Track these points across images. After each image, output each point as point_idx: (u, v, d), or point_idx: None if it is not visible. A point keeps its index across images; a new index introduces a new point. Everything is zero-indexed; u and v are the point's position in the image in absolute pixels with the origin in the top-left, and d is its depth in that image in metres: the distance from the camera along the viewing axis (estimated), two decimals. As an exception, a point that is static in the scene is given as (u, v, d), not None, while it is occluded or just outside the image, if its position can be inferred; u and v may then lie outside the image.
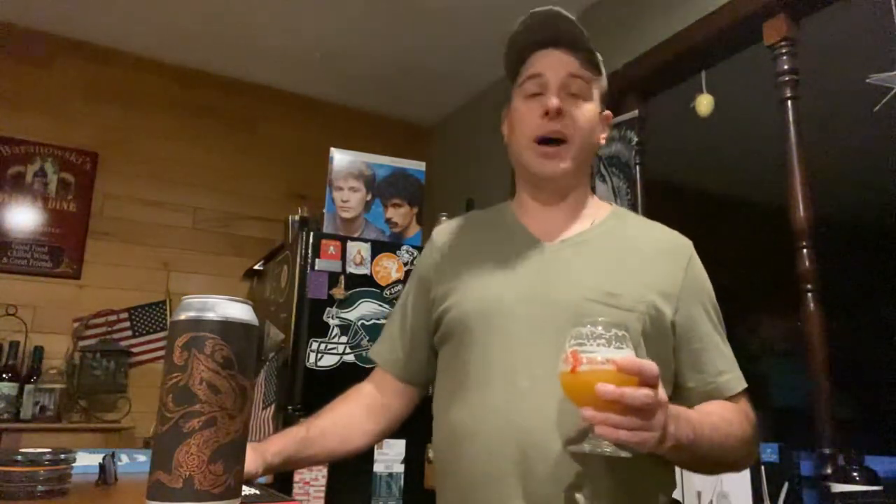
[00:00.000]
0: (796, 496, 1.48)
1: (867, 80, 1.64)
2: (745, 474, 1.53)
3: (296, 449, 0.99)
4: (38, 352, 2.75)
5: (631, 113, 2.34)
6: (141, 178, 3.20)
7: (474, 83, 3.45)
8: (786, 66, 1.83)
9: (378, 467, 1.99)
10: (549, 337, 0.77)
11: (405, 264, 2.19)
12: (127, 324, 3.03)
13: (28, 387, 2.65)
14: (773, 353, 4.08)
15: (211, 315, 0.63)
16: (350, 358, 2.06)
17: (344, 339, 2.06)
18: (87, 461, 0.87)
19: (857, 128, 3.04)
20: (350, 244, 2.14)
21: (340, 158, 2.26)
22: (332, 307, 2.06)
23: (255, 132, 3.53)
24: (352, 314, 2.09)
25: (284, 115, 3.61)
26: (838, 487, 1.42)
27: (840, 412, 1.64)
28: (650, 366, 0.71)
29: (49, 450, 0.75)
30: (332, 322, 2.06)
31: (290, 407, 1.97)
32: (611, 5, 2.46)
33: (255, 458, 0.91)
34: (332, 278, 2.08)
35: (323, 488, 1.92)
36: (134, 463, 0.98)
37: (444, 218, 2.27)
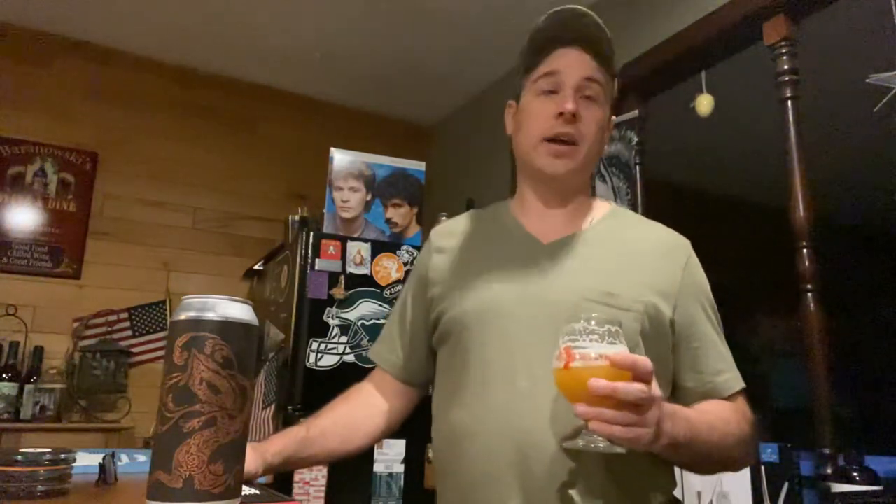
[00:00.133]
0: (796, 496, 1.48)
1: (867, 80, 1.64)
2: (745, 474, 1.53)
3: (296, 449, 0.99)
4: (38, 352, 2.75)
5: (631, 113, 2.34)
6: (141, 178, 3.20)
7: (474, 83, 3.45)
8: (786, 66, 1.83)
9: (378, 467, 1.99)
10: (548, 337, 0.77)
11: (405, 264, 2.19)
12: (127, 324, 3.03)
13: (28, 387, 2.65)
14: (773, 353, 4.08)
15: (211, 315, 0.63)
16: (350, 358, 2.06)
17: (344, 339, 2.06)
18: (87, 461, 0.87)
19: (857, 128, 3.04)
20: (350, 244, 2.14)
21: (340, 158, 2.26)
22: (332, 307, 2.06)
23: (255, 132, 3.53)
24: (352, 314, 2.09)
25: (284, 115, 3.61)
26: (838, 487, 1.42)
27: (840, 412, 1.64)
28: (644, 361, 0.71)
29: (49, 450, 0.75)
30: (332, 322, 2.06)
31: (290, 407, 1.97)
32: (611, 5, 2.46)
33: (255, 458, 0.91)
34: (332, 278, 2.08)
35: (323, 488, 1.92)
36: (134, 463, 0.98)
37: (443, 218, 2.27)
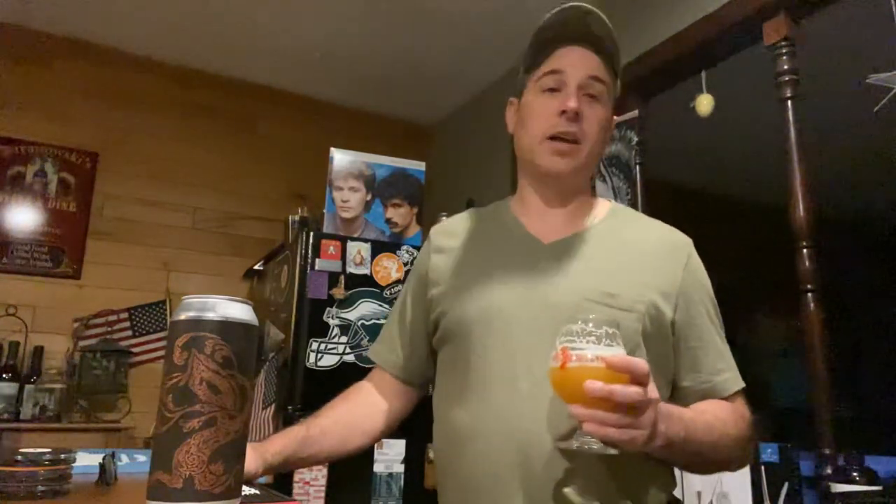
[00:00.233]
0: (796, 496, 1.48)
1: (867, 80, 1.64)
2: (746, 474, 1.53)
3: (295, 448, 0.99)
4: (38, 352, 2.75)
5: (631, 113, 2.34)
6: (141, 178, 3.20)
7: (474, 83, 3.45)
8: (786, 66, 1.83)
9: (378, 467, 1.99)
10: (549, 339, 0.77)
11: (405, 264, 2.19)
12: (127, 324, 3.04)
13: (28, 387, 2.65)
14: (773, 353, 4.08)
15: (211, 315, 0.63)
16: (350, 358, 2.06)
17: (344, 339, 2.06)
18: (87, 461, 0.87)
19: (857, 128, 3.04)
20: (350, 244, 2.14)
21: (340, 158, 2.26)
22: (332, 307, 2.06)
23: (255, 132, 3.53)
24: (352, 314, 2.09)
25: (284, 115, 3.61)
26: (838, 487, 1.42)
27: (840, 412, 1.64)
28: (640, 363, 0.71)
29: (49, 450, 0.75)
30: (332, 322, 2.06)
31: (290, 407, 1.97)
32: (611, 5, 2.46)
33: (255, 458, 0.91)
34: (332, 278, 2.08)
35: (323, 488, 1.92)
36: (134, 463, 0.98)
37: (443, 218, 2.27)
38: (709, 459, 0.89)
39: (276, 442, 0.98)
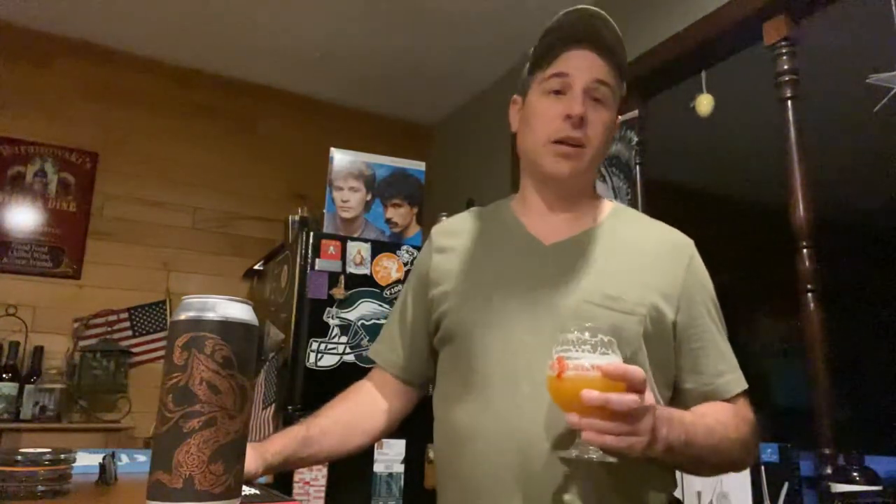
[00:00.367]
0: (796, 496, 1.48)
1: (867, 81, 1.64)
2: (746, 474, 1.53)
3: (296, 448, 0.99)
4: (38, 352, 2.75)
5: (631, 113, 2.34)
6: (141, 178, 3.20)
7: (474, 83, 3.45)
8: (786, 66, 1.83)
9: (378, 467, 1.99)
10: (550, 341, 0.77)
11: (405, 264, 2.19)
12: (127, 324, 3.03)
13: (28, 387, 2.65)
14: (773, 353, 4.08)
15: (211, 315, 0.63)
16: (350, 358, 2.06)
17: (344, 339, 2.06)
18: (87, 461, 0.87)
19: (857, 128, 3.04)
20: (350, 244, 2.14)
21: (340, 158, 2.26)
22: (332, 307, 2.06)
23: (255, 132, 3.53)
24: (352, 314, 2.09)
25: (284, 115, 3.61)
26: (838, 487, 1.42)
27: (840, 412, 1.64)
28: (636, 371, 0.71)
29: (49, 450, 0.75)
30: (332, 322, 2.06)
31: (290, 407, 1.97)
32: (611, 5, 2.46)
33: (255, 457, 0.91)
34: (332, 278, 2.08)
35: (323, 488, 1.92)
36: (134, 463, 0.98)
37: (443, 218, 2.27)
38: (710, 462, 0.89)
39: (276, 442, 0.98)
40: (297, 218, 2.51)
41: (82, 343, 2.90)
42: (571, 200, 1.01)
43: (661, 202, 2.23)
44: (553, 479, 0.84)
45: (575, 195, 1.02)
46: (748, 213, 4.11)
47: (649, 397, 0.73)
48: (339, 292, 2.07)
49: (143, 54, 3.27)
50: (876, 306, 4.25)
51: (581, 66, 0.95)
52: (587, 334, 0.74)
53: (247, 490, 0.75)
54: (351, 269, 2.11)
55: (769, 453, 1.52)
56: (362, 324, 2.09)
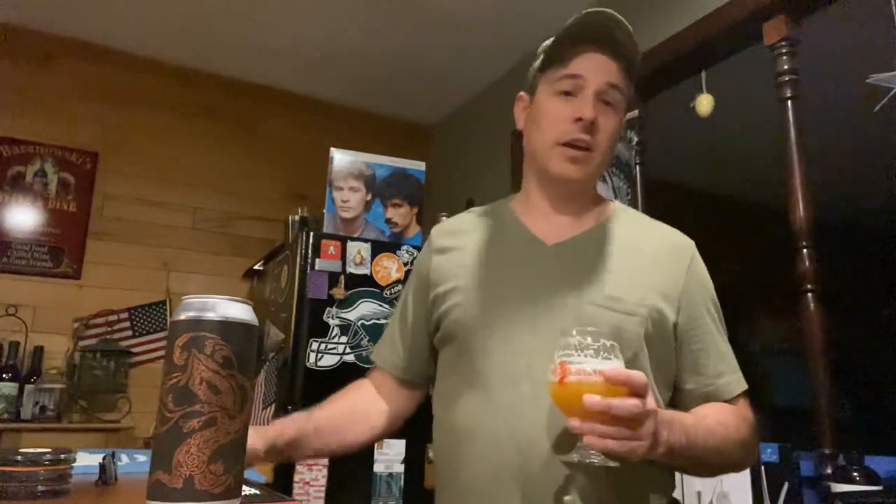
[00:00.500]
0: (796, 496, 1.48)
1: (867, 81, 1.64)
2: (746, 474, 1.53)
3: (295, 435, 0.99)
4: (38, 352, 2.75)
5: (631, 113, 2.34)
6: (141, 178, 3.20)
7: (474, 83, 3.45)
8: (786, 66, 1.83)
9: (378, 467, 1.99)
10: (551, 341, 0.77)
11: (405, 264, 2.19)
12: (127, 324, 3.03)
13: (28, 387, 2.65)
14: (773, 353, 4.08)
15: (211, 315, 0.63)
16: (350, 358, 2.06)
17: (344, 339, 2.06)
18: (87, 461, 0.87)
19: (857, 128, 3.04)
20: (350, 244, 2.14)
21: (340, 158, 2.26)
22: (332, 307, 2.06)
23: (255, 132, 3.53)
24: (352, 314, 2.09)
25: (284, 115, 3.61)
26: (838, 487, 1.42)
27: (840, 412, 1.64)
28: (637, 376, 0.71)
29: (49, 450, 0.75)
30: (332, 322, 2.06)
31: (290, 407, 1.97)
32: (611, 5, 2.46)
33: (257, 438, 0.92)
34: (332, 278, 2.08)
35: (323, 488, 1.92)
36: (134, 463, 0.98)
37: (443, 218, 2.27)
38: (711, 464, 0.89)
39: (277, 425, 0.99)
40: (297, 218, 2.51)
41: (82, 343, 2.90)
42: (575, 201, 1.01)
43: (661, 202, 2.23)
44: (553, 479, 0.84)
45: (578, 196, 1.01)
46: (748, 213, 4.11)
47: (651, 401, 0.73)
48: (339, 292, 2.07)
49: (143, 54, 3.27)
50: (876, 306, 4.25)
51: (594, 68, 0.94)
52: (589, 339, 0.74)
53: (247, 490, 0.75)
54: (351, 269, 2.11)
55: (769, 453, 1.52)
56: (362, 324, 2.09)
